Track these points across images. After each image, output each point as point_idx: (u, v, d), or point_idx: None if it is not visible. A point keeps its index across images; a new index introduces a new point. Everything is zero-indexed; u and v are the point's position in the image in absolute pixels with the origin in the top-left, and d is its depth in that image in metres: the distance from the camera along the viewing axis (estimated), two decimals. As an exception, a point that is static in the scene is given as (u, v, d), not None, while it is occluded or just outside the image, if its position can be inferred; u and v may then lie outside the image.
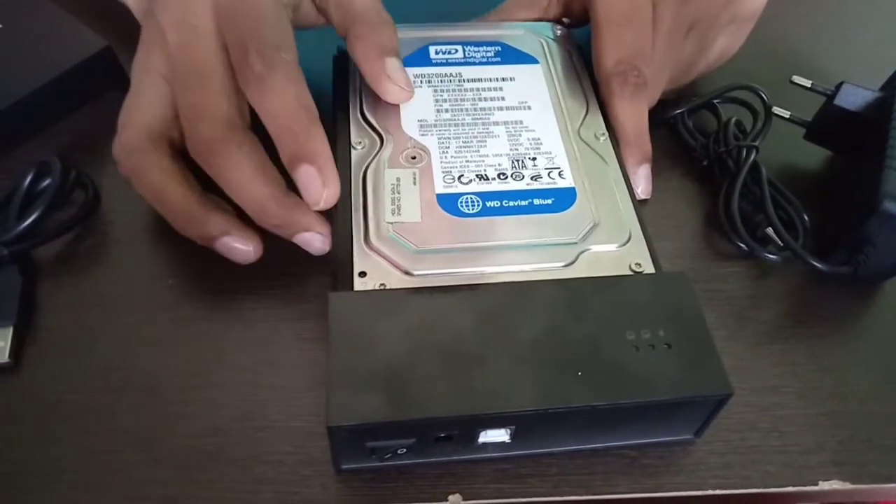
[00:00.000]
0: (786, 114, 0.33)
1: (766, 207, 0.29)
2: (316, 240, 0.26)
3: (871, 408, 0.26)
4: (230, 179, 0.26)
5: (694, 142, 0.33)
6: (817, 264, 0.28)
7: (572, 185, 0.28)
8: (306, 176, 0.25)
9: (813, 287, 0.29)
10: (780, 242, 0.29)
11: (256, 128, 0.27)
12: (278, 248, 0.29)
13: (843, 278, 0.29)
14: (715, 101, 0.34)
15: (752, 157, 0.31)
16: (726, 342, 0.27)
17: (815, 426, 0.26)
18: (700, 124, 0.34)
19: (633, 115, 0.30)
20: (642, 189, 0.30)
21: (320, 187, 0.25)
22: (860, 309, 0.29)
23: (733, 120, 0.33)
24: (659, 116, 0.33)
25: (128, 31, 0.35)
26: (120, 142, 0.27)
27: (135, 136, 0.27)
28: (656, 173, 0.31)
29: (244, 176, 0.26)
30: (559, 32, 0.34)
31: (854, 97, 0.31)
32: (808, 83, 0.32)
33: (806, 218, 0.29)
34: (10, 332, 0.26)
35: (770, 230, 0.29)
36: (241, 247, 0.27)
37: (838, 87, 0.31)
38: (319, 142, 0.25)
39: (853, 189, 0.30)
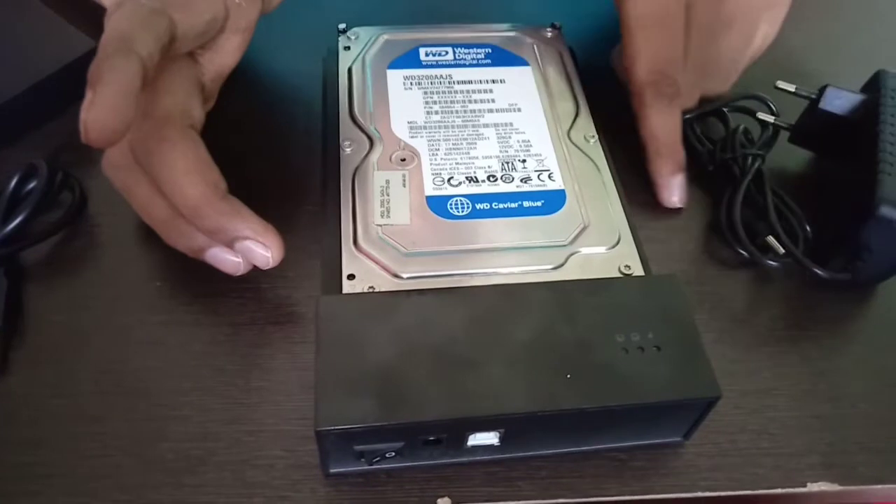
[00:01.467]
0: (770, 119, 0.33)
1: (770, 216, 0.29)
2: (257, 250, 0.25)
3: (861, 410, 0.26)
4: (162, 179, 0.24)
5: (701, 147, 0.33)
6: (819, 272, 0.28)
7: (562, 187, 0.28)
8: (246, 251, 0.25)
9: (803, 290, 0.29)
10: (780, 250, 0.29)
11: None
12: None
13: (842, 284, 0.29)
14: (724, 108, 0.34)
15: (757, 165, 0.31)
16: (717, 345, 0.27)
17: (806, 428, 0.26)
18: (707, 131, 0.34)
19: (667, 125, 0.30)
20: (678, 198, 0.30)
21: (264, 252, 0.25)
22: (852, 312, 0.29)
23: (741, 128, 0.33)
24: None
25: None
26: (105, 159, 0.27)
27: (118, 152, 0.26)
28: None
29: (175, 175, 0.24)
30: (550, 34, 0.34)
31: (839, 100, 0.31)
32: (791, 87, 0.32)
33: (808, 228, 0.29)
34: (-4, 336, 0.26)
35: (771, 238, 0.29)
36: (230, 258, 0.26)
37: (822, 90, 0.31)
38: (238, 221, 0.24)
39: (845, 193, 0.30)
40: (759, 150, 0.31)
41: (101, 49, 0.23)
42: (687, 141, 0.33)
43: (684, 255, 0.30)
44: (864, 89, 0.31)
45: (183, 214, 0.25)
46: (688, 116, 0.34)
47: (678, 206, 0.30)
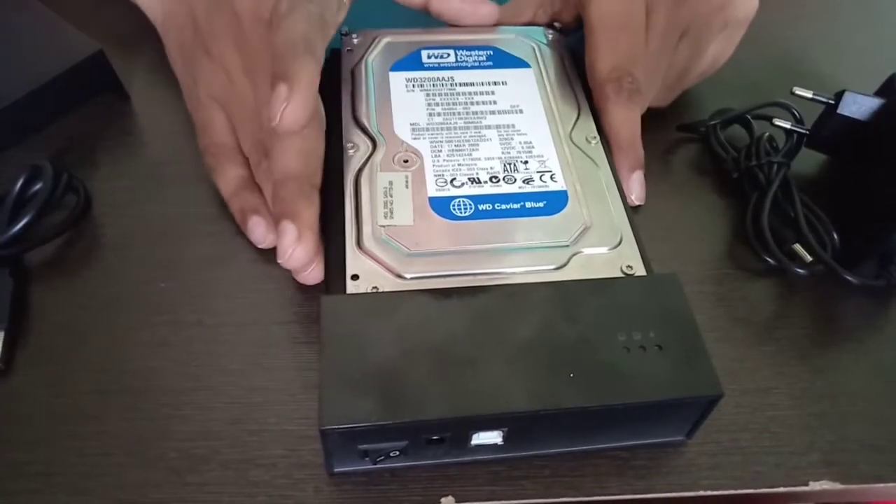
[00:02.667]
0: (786, 125, 0.33)
1: (800, 224, 0.29)
2: (289, 234, 0.26)
3: (861, 408, 0.26)
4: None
5: (725, 154, 0.33)
6: (851, 279, 0.28)
7: (564, 188, 0.28)
8: (282, 229, 0.26)
9: (802, 289, 0.30)
10: (808, 258, 0.29)
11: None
12: (268, 252, 0.29)
13: (876, 291, 0.29)
14: (747, 115, 0.34)
15: (783, 172, 0.31)
16: (718, 343, 0.27)
17: (806, 427, 0.26)
18: (731, 138, 0.34)
19: (628, 120, 0.30)
20: (636, 195, 0.30)
21: (293, 241, 0.25)
22: (850, 310, 0.29)
23: (766, 135, 0.33)
24: (695, 127, 0.34)
25: (120, 34, 0.35)
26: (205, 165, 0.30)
27: (211, 159, 0.30)
28: (683, 181, 0.31)
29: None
30: (551, 37, 0.34)
31: (857, 105, 0.31)
32: (808, 94, 0.32)
33: (835, 236, 0.29)
34: (1, 336, 0.26)
35: (798, 246, 0.29)
36: (261, 230, 0.28)
37: (839, 95, 0.31)
38: (304, 206, 0.26)
39: (868, 198, 0.30)
40: (783, 158, 0.31)
41: (287, 46, 0.26)
42: (711, 147, 0.34)
43: (691, 255, 0.30)
44: (879, 93, 0.32)
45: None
46: (712, 122, 0.34)
47: (637, 203, 0.30)
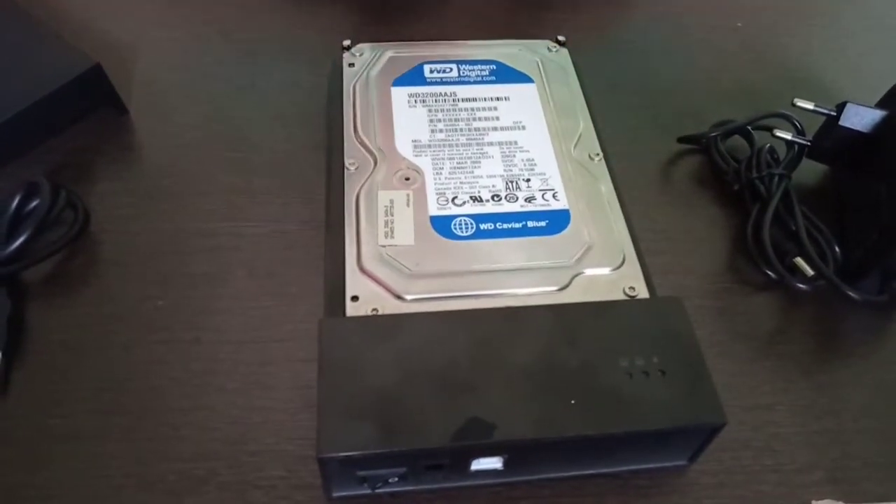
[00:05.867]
0: (787, 136, 0.33)
1: (801, 239, 0.29)
2: None
3: (865, 425, 0.26)
4: None
5: (726, 166, 0.33)
6: (853, 295, 0.28)
7: (566, 206, 0.28)
8: None
9: (804, 303, 0.29)
10: (809, 272, 0.28)
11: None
12: (267, 269, 0.28)
13: (879, 306, 0.29)
14: (748, 126, 0.33)
15: (784, 184, 0.31)
16: (719, 359, 0.27)
17: (809, 444, 0.26)
18: (732, 149, 0.34)
19: None
20: None
21: None
22: (852, 325, 0.29)
23: (767, 147, 0.32)
24: (696, 138, 0.34)
25: (118, 47, 0.35)
26: None
27: None
28: (684, 193, 0.31)
29: None
30: (555, 50, 0.34)
31: (859, 117, 0.31)
32: (810, 105, 0.32)
33: (837, 249, 0.29)
34: (-2, 357, 0.25)
35: (800, 260, 0.28)
36: None
37: (841, 107, 0.31)
38: None
39: (871, 211, 0.30)
40: (784, 170, 0.31)
41: None
42: (711, 159, 0.33)
43: (691, 268, 0.30)
44: (881, 104, 0.31)
45: None
46: (713, 134, 0.34)
47: None
